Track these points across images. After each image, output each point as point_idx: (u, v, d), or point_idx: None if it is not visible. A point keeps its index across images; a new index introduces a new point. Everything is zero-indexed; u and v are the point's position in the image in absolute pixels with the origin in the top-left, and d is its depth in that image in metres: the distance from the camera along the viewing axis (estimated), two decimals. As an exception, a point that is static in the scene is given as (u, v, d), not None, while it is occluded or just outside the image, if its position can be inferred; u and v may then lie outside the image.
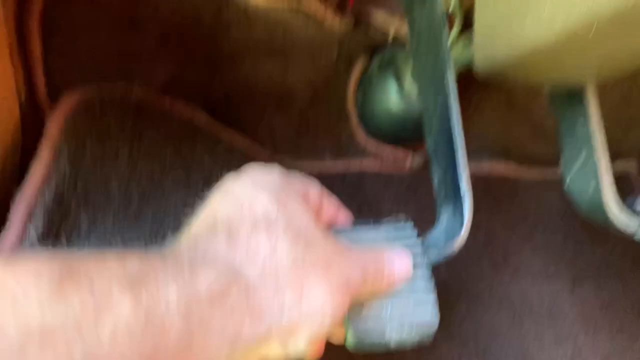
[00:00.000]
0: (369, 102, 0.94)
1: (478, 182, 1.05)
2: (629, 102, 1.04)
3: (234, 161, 0.84)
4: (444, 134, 0.66)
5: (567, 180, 0.72)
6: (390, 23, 0.92)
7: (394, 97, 0.91)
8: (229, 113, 0.90)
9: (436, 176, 0.69)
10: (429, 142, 0.71)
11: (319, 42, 0.87)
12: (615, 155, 1.09)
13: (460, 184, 0.62)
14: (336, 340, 0.50)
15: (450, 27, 0.77)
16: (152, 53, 0.79)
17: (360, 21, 0.90)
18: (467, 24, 0.74)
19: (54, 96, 0.68)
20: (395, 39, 0.95)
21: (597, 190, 0.67)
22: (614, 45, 0.51)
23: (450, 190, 0.65)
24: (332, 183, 1.04)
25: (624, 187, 1.09)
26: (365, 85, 0.94)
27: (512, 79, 0.67)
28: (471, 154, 1.11)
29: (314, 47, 0.88)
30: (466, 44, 0.74)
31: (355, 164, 0.98)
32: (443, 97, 0.66)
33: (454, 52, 0.78)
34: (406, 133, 0.96)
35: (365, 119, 0.97)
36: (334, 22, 0.83)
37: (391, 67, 0.91)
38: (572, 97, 0.69)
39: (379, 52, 0.94)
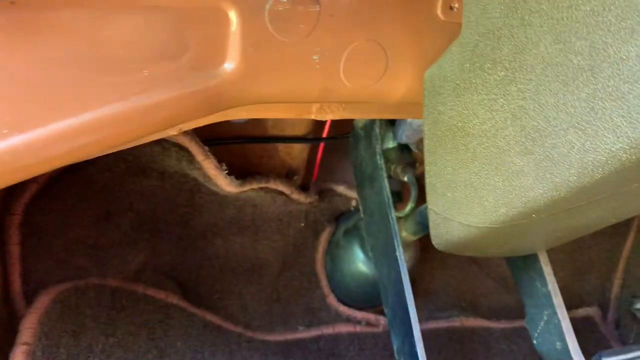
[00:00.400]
0: (338, 267, 0.98)
1: (451, 337, 1.06)
2: (582, 248, 1.11)
3: (207, 341, 0.84)
4: (399, 306, 0.70)
5: (534, 337, 0.74)
6: (351, 194, 0.99)
7: (361, 261, 0.95)
8: (201, 290, 0.91)
9: (395, 344, 0.71)
10: (387, 312, 0.74)
11: (287, 215, 0.92)
12: (577, 303, 1.14)
13: (418, 353, 0.64)
14: None
15: (407, 197, 0.83)
16: (126, 242, 0.82)
17: (324, 193, 0.96)
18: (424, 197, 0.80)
19: (30, 295, 0.69)
20: (357, 207, 1.01)
21: (564, 350, 0.69)
22: (555, 226, 0.57)
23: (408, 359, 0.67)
24: (306, 351, 1.04)
25: (590, 332, 1.13)
26: (333, 250, 0.98)
27: (468, 253, 0.72)
28: (440, 309, 1.14)
29: (282, 220, 0.92)
30: (423, 213, 0.80)
31: (328, 330, 0.98)
32: (395, 273, 0.70)
33: (411, 222, 0.84)
34: (376, 296, 0.98)
35: (335, 284, 0.99)
36: (300, 197, 0.89)
37: (356, 233, 0.96)
38: (527, 261, 0.73)
39: (344, 219, 1.00)
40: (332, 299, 0.99)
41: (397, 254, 0.67)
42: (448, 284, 1.10)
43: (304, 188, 0.92)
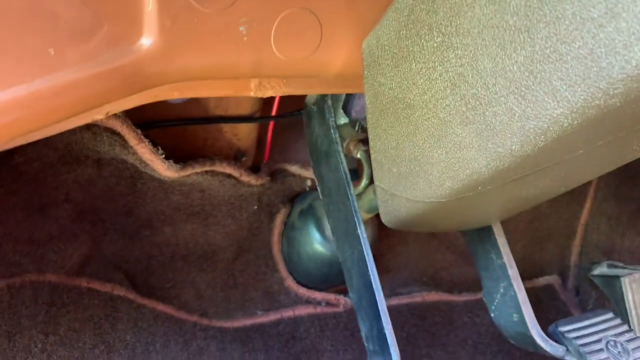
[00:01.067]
0: (294, 249, 0.95)
1: (413, 312, 1.05)
2: (540, 217, 1.11)
3: (159, 332, 0.81)
4: (365, 289, 0.67)
5: (492, 309, 0.73)
6: (305, 174, 0.96)
7: (317, 242, 0.92)
8: (152, 281, 0.87)
9: (363, 330, 0.69)
10: (352, 296, 0.71)
11: (238, 199, 0.88)
12: (537, 272, 1.14)
13: (387, 338, 0.62)
14: None
15: (361, 174, 0.81)
16: (65, 235, 0.77)
17: (276, 174, 0.93)
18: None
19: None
20: (312, 187, 0.98)
21: (521, 322, 0.68)
22: (504, 197, 0.55)
23: (377, 344, 0.64)
24: (265, 336, 1.02)
25: (551, 300, 1.13)
26: (289, 232, 0.95)
27: (418, 229, 0.70)
28: (402, 284, 1.13)
29: (234, 204, 0.89)
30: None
31: (288, 313, 0.96)
32: (358, 253, 0.68)
33: (366, 199, 0.81)
34: (335, 275, 0.96)
35: (293, 266, 0.97)
36: (250, 179, 0.86)
37: (311, 213, 0.93)
38: (481, 233, 0.72)
39: (298, 200, 0.97)
40: (290, 282, 0.96)
41: (359, 232, 0.65)
42: (408, 259, 1.09)
43: (254, 170, 0.89)
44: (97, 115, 0.56)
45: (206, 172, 0.79)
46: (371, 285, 0.65)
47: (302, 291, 0.97)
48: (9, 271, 0.69)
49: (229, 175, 0.83)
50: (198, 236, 0.89)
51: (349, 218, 0.69)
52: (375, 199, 0.78)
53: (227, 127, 0.82)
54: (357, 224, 0.67)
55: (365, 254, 0.66)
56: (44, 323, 0.68)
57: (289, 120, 0.88)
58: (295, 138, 1.02)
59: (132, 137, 0.66)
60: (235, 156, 0.85)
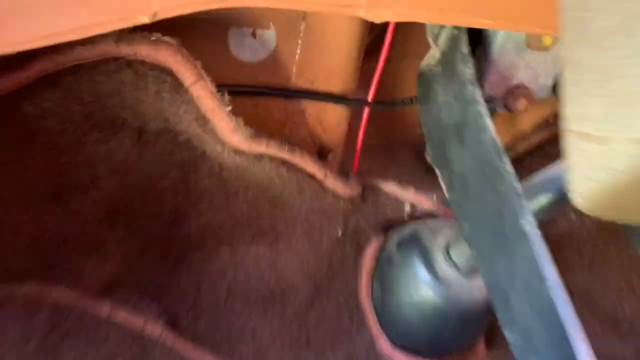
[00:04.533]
0: (391, 295, 0.69)
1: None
2: None
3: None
4: (541, 318, 0.41)
5: None
6: (403, 196, 0.73)
7: (426, 283, 0.66)
8: (198, 325, 0.63)
9: None
10: (513, 337, 0.45)
11: (319, 215, 0.66)
12: None
13: None
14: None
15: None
16: (87, 239, 0.56)
17: (367, 192, 0.70)
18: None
19: None
20: (412, 215, 0.74)
21: None
22: None
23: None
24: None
25: None
26: (383, 271, 0.70)
27: (621, 215, 0.45)
28: None
29: (312, 224, 0.66)
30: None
31: (380, 388, 0.69)
32: (524, 260, 0.43)
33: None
34: (449, 336, 0.69)
35: (388, 320, 0.71)
36: (337, 186, 0.63)
37: (415, 244, 0.68)
38: None
39: (394, 229, 0.73)
40: (383, 343, 0.70)
41: (525, 226, 0.41)
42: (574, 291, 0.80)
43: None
44: (142, 16, 0.37)
45: (282, 162, 0.57)
46: (553, 310, 0.39)
47: (401, 358, 0.70)
48: (7, 276, 0.48)
49: (311, 176, 0.61)
50: (265, 266, 0.66)
51: (503, 209, 0.45)
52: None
53: (311, 110, 0.61)
54: (520, 214, 0.43)
55: (538, 260, 0.41)
56: (36, 352, 0.44)
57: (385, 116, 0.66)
58: (391, 146, 0.81)
59: (187, 72, 0.46)
60: (318, 153, 0.64)
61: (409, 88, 0.84)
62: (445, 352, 0.72)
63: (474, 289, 0.65)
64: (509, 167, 0.45)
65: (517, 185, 0.44)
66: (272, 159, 0.56)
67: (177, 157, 0.56)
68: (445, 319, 0.67)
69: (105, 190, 0.55)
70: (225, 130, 0.49)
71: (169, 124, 0.52)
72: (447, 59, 0.52)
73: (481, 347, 0.77)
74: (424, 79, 0.55)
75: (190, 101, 0.47)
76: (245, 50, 0.54)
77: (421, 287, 0.67)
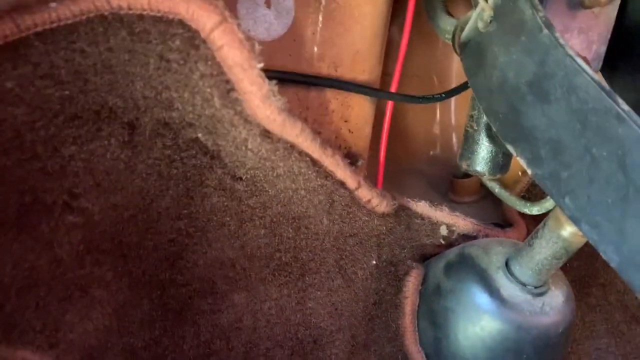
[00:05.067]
0: (446, 335, 0.56)
1: None
2: None
3: None
4: None
5: None
6: (438, 217, 0.62)
7: (489, 312, 0.54)
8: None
9: None
10: None
11: (350, 239, 0.53)
12: None
13: None
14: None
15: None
16: (63, 285, 0.41)
17: (399, 213, 0.59)
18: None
19: None
20: (448, 239, 0.63)
21: None
22: None
23: None
24: None
25: None
26: (432, 306, 0.57)
27: None
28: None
29: (344, 249, 0.53)
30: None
31: None
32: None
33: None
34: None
35: (445, 366, 0.57)
36: (372, 199, 0.51)
37: (468, 267, 0.56)
38: None
39: (433, 258, 0.61)
40: (443, 397, 0.55)
41: None
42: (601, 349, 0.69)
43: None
44: None
45: (313, 162, 0.45)
46: None
47: (465, 414, 0.56)
48: None
49: (342, 184, 0.49)
50: (290, 311, 0.51)
51: (628, 159, 0.35)
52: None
53: (335, 104, 0.50)
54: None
55: None
56: None
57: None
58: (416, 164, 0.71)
59: (205, 14, 0.34)
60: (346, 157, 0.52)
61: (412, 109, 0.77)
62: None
63: (548, 308, 0.54)
64: (625, 105, 0.36)
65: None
66: (302, 155, 0.44)
67: (178, 167, 0.44)
68: (518, 352, 0.54)
69: (86, 215, 0.41)
70: (256, 98, 0.37)
71: (171, 113, 0.40)
72: (506, 10, 0.44)
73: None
74: (473, 47, 0.47)
75: (208, 58, 0.36)
76: (258, 24, 0.44)
77: (484, 316, 0.54)
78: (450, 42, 0.59)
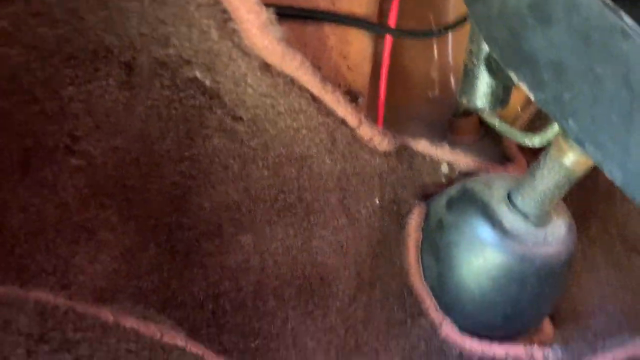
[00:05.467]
0: (450, 269, 0.57)
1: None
2: None
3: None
4: None
5: None
6: (439, 155, 0.62)
7: (492, 244, 0.55)
8: (221, 335, 0.49)
9: None
10: None
11: (353, 178, 0.53)
12: None
13: None
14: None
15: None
16: (70, 227, 0.41)
17: (400, 152, 0.59)
18: None
19: None
20: (449, 177, 0.63)
21: None
22: None
23: None
24: None
25: None
26: (435, 242, 0.58)
27: None
28: (602, 335, 0.72)
29: (347, 188, 0.53)
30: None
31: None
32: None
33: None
34: (527, 305, 0.57)
35: (450, 301, 0.58)
36: (374, 136, 0.51)
37: (469, 201, 0.57)
38: None
39: (435, 195, 0.62)
40: (449, 329, 0.57)
41: None
42: (603, 294, 0.70)
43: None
44: None
45: (313, 98, 0.45)
46: None
47: (473, 345, 0.57)
48: None
49: (343, 121, 0.49)
50: (296, 251, 0.52)
51: (632, 75, 0.35)
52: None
53: (333, 40, 0.50)
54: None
55: None
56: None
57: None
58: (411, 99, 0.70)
59: None
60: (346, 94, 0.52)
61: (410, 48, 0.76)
62: (524, 328, 0.59)
63: (550, 238, 0.54)
64: (629, 19, 0.35)
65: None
66: (302, 90, 0.44)
67: (177, 108, 0.43)
68: (522, 282, 0.55)
69: (88, 158, 0.41)
70: (254, 27, 0.36)
71: (168, 50, 0.39)
72: None
73: (547, 324, 0.65)
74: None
75: None
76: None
77: (487, 248, 0.55)
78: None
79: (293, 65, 0.40)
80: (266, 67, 0.40)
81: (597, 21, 0.36)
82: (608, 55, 0.36)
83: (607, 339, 0.68)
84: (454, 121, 0.74)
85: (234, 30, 0.37)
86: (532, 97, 0.42)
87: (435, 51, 0.77)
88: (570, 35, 0.38)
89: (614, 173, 0.37)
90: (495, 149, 0.73)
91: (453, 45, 0.77)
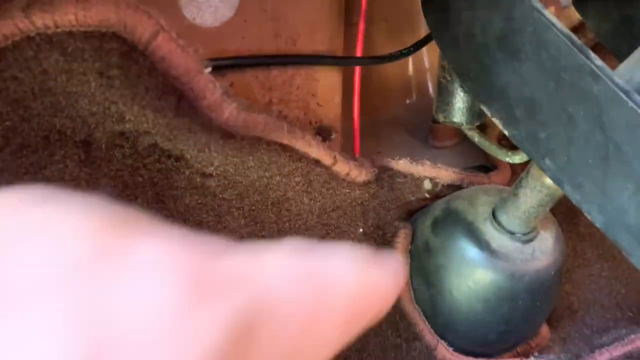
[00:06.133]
0: (440, 291, 0.56)
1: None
2: None
3: None
4: None
5: None
6: (420, 172, 0.60)
7: (480, 264, 0.54)
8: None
9: None
10: None
11: (334, 212, 0.52)
12: None
13: None
14: None
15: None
16: None
17: (380, 175, 0.58)
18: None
19: None
20: (432, 192, 0.62)
21: None
22: None
23: None
24: None
25: None
26: (423, 265, 0.57)
27: None
28: (599, 330, 0.72)
29: (328, 224, 0.52)
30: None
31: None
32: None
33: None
34: (520, 321, 0.56)
35: (443, 323, 0.57)
36: (351, 171, 0.50)
37: (454, 221, 0.56)
38: None
39: (419, 212, 0.61)
40: (444, 351, 0.56)
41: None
42: (598, 287, 0.70)
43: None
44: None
45: (283, 148, 0.44)
46: None
47: (467, 363, 0.57)
48: None
49: (317, 162, 0.47)
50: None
51: (605, 117, 0.33)
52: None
53: (300, 79, 0.48)
54: (635, 115, 0.32)
55: None
56: None
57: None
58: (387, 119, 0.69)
59: (140, 25, 0.31)
60: (317, 134, 0.51)
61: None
62: (519, 341, 0.59)
63: (538, 253, 0.54)
64: (599, 61, 0.34)
65: (620, 80, 0.33)
66: (270, 144, 0.42)
67: (143, 174, 0.42)
68: (513, 300, 0.54)
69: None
70: (211, 101, 0.35)
71: (124, 125, 0.38)
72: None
73: (544, 326, 0.65)
74: (434, 2, 0.44)
75: (152, 70, 0.33)
76: (204, 11, 0.41)
77: (476, 270, 0.54)
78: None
79: (257, 129, 0.39)
80: (229, 135, 0.38)
81: (566, 61, 0.35)
82: (579, 96, 0.35)
83: (603, 334, 0.68)
84: (435, 127, 0.73)
85: (190, 107, 0.35)
86: (506, 133, 0.41)
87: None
88: (541, 73, 0.37)
89: (593, 215, 0.36)
90: (478, 151, 0.72)
91: (427, 47, 0.75)
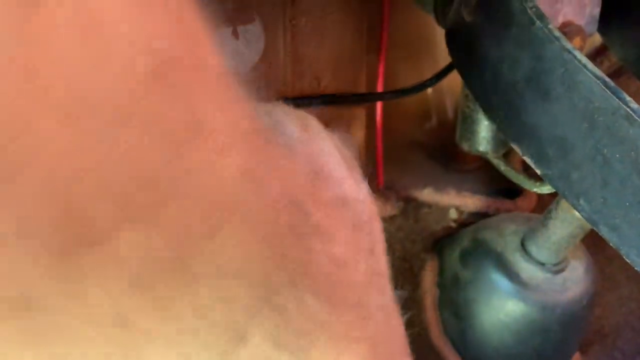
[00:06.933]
0: (471, 324, 0.56)
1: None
2: None
3: None
4: None
5: None
6: (446, 201, 0.60)
7: (511, 296, 0.53)
8: None
9: None
10: None
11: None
12: None
13: None
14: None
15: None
16: None
17: (405, 207, 0.57)
18: None
19: None
20: (460, 221, 0.62)
21: None
22: None
23: None
24: None
25: None
26: (452, 298, 0.57)
27: None
28: (631, 353, 0.71)
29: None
30: None
31: None
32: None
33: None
34: (552, 351, 0.55)
35: (475, 356, 0.57)
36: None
37: (483, 252, 0.55)
38: None
39: (449, 242, 0.60)
40: (476, 385, 0.55)
41: None
42: (628, 310, 0.69)
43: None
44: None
45: None
46: None
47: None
48: None
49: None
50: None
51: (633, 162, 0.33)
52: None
53: (325, 119, 0.48)
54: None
55: None
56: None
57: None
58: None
59: None
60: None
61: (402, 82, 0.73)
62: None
63: (569, 283, 0.53)
64: (634, 103, 0.33)
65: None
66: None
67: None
68: (545, 332, 0.53)
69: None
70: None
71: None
72: (489, 7, 0.40)
73: (576, 355, 0.64)
74: (461, 40, 0.43)
75: None
76: (231, 59, 0.40)
77: (507, 302, 0.53)
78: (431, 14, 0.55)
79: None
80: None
81: (600, 103, 0.34)
82: (615, 138, 0.34)
83: (636, 358, 0.67)
84: (456, 151, 0.72)
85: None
86: (538, 172, 0.40)
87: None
88: (573, 114, 0.36)
89: (632, 258, 0.36)
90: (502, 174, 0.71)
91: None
